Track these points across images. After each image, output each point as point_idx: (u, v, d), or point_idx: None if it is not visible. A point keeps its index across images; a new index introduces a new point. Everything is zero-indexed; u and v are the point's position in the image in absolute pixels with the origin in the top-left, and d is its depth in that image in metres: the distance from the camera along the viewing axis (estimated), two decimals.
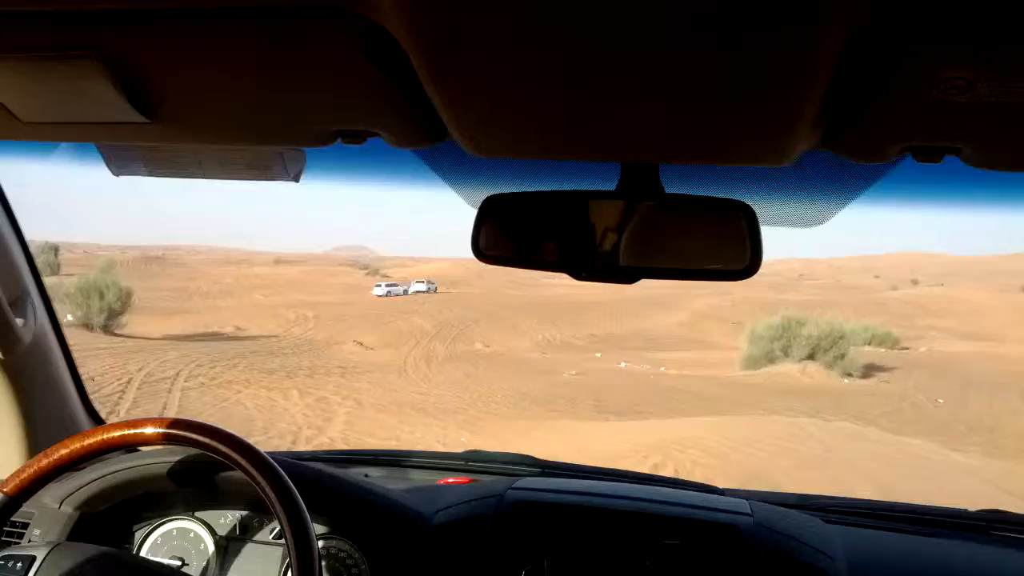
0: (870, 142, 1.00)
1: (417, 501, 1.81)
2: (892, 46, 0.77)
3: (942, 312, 54.79)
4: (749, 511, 1.72)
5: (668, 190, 1.24)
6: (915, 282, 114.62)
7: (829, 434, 14.04)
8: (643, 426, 15.13)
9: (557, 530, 1.66)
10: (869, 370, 26.51)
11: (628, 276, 1.26)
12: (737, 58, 0.77)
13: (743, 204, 1.19)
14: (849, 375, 25.75)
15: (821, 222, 1.52)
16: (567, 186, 1.29)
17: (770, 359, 28.14)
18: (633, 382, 23.68)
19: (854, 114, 0.92)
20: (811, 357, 27.18)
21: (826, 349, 27.27)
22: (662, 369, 27.68)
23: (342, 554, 1.70)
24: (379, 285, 64.23)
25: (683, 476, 2.02)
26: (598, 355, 32.97)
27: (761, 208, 1.42)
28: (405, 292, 63.64)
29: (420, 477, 2.16)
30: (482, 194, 1.32)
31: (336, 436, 14.62)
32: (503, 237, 1.32)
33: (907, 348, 34.95)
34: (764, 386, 23.28)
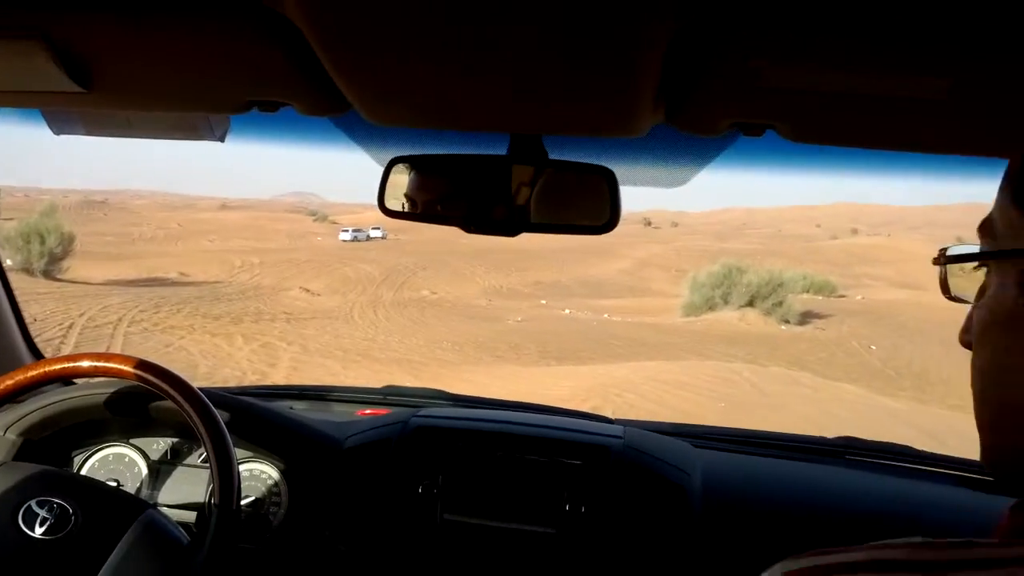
0: (701, 119, 1.19)
1: (333, 429, 2.00)
2: (706, 41, 0.95)
3: (879, 261, 55.86)
4: (621, 435, 1.93)
5: (552, 156, 1.43)
6: (855, 231, 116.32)
7: (764, 379, 14.44)
8: (584, 371, 15.40)
9: (452, 451, 1.86)
10: (806, 317, 27.07)
11: (511, 230, 1.45)
12: (588, 49, 0.93)
13: (606, 169, 1.39)
14: (786, 322, 26.28)
15: (683, 183, 1.73)
16: (465, 150, 1.47)
17: (710, 306, 28.57)
18: (576, 328, 23.96)
19: (684, 96, 1.11)
20: (750, 304, 27.65)
21: (765, 297, 27.76)
22: (605, 316, 27.98)
23: (263, 475, 1.89)
24: (345, 231, 65.93)
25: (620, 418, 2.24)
26: (543, 302, 33.25)
27: (630, 171, 1.62)
28: (368, 238, 65.09)
29: (340, 409, 2.34)
30: (388, 155, 1.49)
31: (280, 381, 14.62)
32: (405, 194, 1.50)
33: (844, 296, 35.60)
34: (703, 332, 23.69)
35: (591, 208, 1.41)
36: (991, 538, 0.51)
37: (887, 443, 2.19)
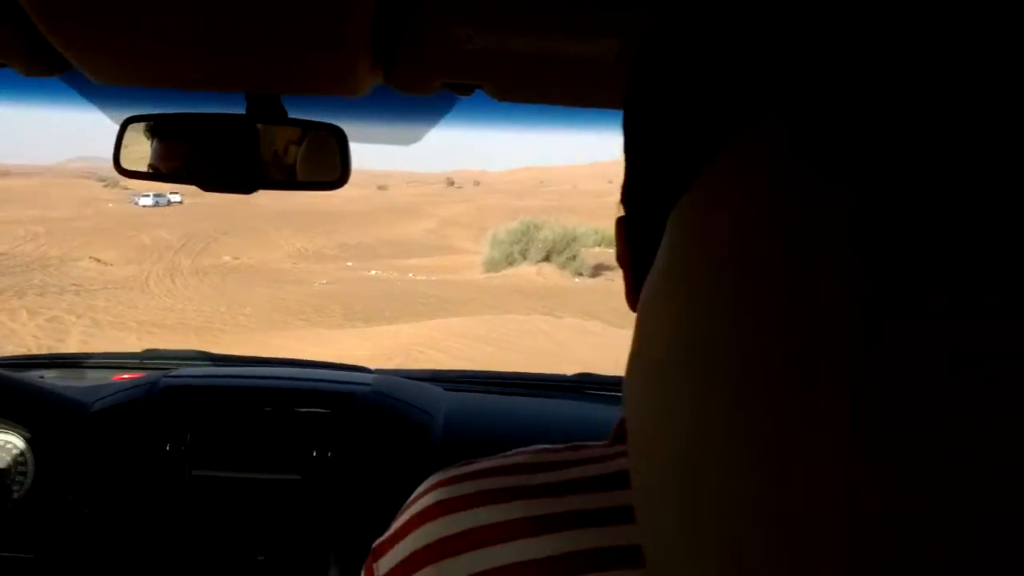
0: (414, 79, 1.29)
1: (82, 395, 2.00)
2: (411, 7, 1.05)
3: None
4: (370, 382, 2.04)
5: (293, 115, 1.50)
6: None
7: (558, 329, 14.89)
8: (389, 330, 15.41)
9: (202, 408, 1.90)
10: (598, 270, 27.79)
11: (248, 187, 1.53)
12: (298, 12, 0.99)
13: (336, 128, 1.48)
14: (580, 275, 27.06)
15: (415, 140, 1.85)
16: (205, 109, 1.51)
17: (510, 262, 29.11)
18: (382, 288, 23.83)
19: (397, 58, 1.21)
20: (547, 259, 28.38)
21: (560, 251, 28.56)
22: (410, 275, 27.94)
23: (8, 445, 1.87)
24: (146, 196, 62.80)
25: None
26: (349, 264, 32.84)
27: (365, 130, 1.72)
28: (168, 203, 62.54)
29: (96, 375, 2.32)
30: (126, 113, 1.51)
31: None
32: (142, 154, 1.54)
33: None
34: (504, 287, 24.03)
35: (324, 165, 1.50)
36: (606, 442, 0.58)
37: (623, 377, 2.37)
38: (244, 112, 1.49)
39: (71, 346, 14.98)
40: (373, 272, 29.22)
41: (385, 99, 1.42)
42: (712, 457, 0.29)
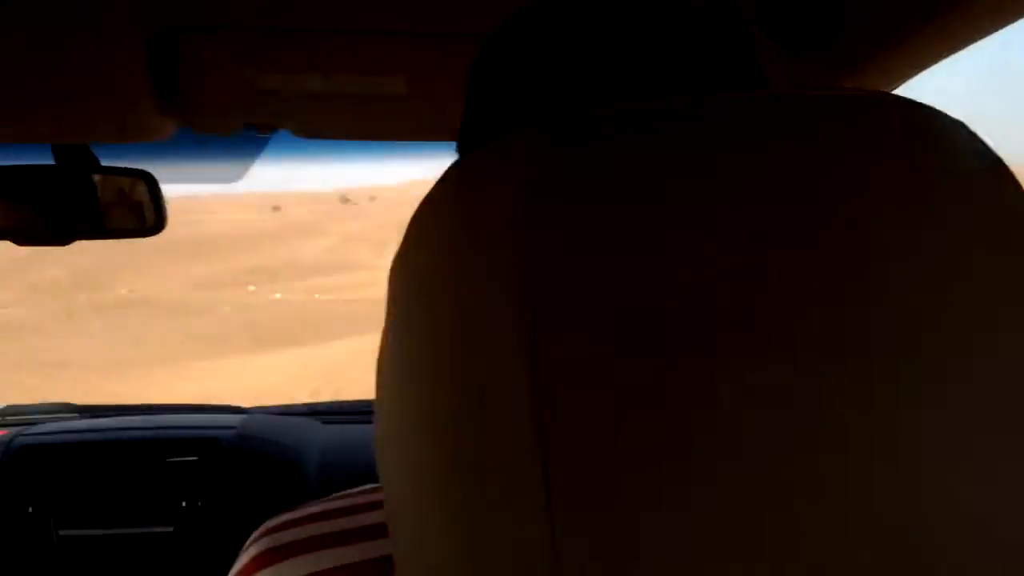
0: (212, 120, 1.27)
1: None
2: (193, 49, 1.03)
3: None
4: (236, 424, 1.98)
5: (105, 162, 1.45)
6: None
7: None
8: (300, 354, 15.15)
9: (63, 466, 1.83)
10: None
11: (62, 239, 1.48)
12: (71, 56, 0.98)
13: (146, 173, 1.44)
14: None
15: (236, 179, 1.82)
16: (11, 161, 1.46)
17: None
18: (288, 311, 23.46)
19: (189, 100, 1.18)
20: None
21: None
22: (316, 296, 27.67)
23: None
24: None
25: (342, 398, 2.15)
26: (252, 288, 32.23)
27: (180, 172, 1.68)
28: None
29: None
30: None
31: None
32: None
33: None
34: None
35: (137, 211, 1.46)
36: None
37: None
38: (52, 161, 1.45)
39: None
40: (277, 295, 28.69)
41: (199, 139, 1.39)
42: (429, 530, 0.29)
